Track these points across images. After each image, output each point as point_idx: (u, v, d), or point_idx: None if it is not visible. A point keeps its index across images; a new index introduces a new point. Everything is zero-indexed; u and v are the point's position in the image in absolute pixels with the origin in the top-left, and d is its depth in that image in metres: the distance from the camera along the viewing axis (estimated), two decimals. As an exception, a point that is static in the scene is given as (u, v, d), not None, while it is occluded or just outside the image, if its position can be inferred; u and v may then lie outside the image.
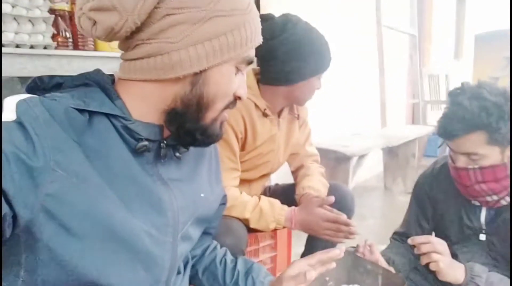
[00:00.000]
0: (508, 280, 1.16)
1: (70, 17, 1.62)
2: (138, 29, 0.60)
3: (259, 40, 0.68)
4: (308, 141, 1.57)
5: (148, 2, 0.57)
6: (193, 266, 0.92)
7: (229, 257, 0.94)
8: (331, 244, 1.48)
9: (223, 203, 0.90)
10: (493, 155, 1.12)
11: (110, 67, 1.79)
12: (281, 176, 1.69)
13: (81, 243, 0.56)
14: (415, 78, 4.20)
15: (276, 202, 1.29)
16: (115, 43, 2.10)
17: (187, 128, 0.65)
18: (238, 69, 0.66)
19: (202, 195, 0.77)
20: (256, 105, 1.29)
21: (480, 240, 1.28)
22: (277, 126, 1.37)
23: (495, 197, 1.18)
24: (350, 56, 3.27)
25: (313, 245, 1.54)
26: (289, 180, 1.66)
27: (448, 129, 1.11)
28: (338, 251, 0.87)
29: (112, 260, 0.60)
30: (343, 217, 1.21)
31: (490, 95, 1.08)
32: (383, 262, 1.21)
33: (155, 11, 0.59)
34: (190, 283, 0.95)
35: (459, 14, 6.46)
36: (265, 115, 1.31)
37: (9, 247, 0.56)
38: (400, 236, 1.44)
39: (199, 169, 0.78)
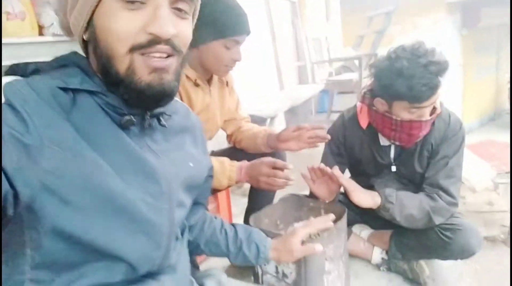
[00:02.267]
0: (411, 194, 1.46)
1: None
2: None
3: None
4: (238, 106, 1.67)
5: None
6: (193, 240, 0.96)
7: (227, 226, 1.00)
8: (271, 195, 1.65)
9: (210, 175, 0.93)
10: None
11: (9, 54, 1.64)
12: (213, 143, 1.77)
13: (83, 215, 0.58)
14: (300, 42, 4.52)
15: (225, 159, 1.35)
16: (10, 28, 1.90)
17: (116, 87, 0.61)
18: (129, 4, 0.58)
19: (191, 164, 0.79)
20: (187, 76, 1.33)
21: (392, 171, 1.56)
22: (209, 95, 1.43)
23: (418, 140, 1.44)
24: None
25: (255, 199, 1.67)
26: (222, 146, 1.75)
27: (436, 87, 1.26)
28: (330, 218, 1.06)
29: (114, 229, 0.62)
30: (280, 162, 1.29)
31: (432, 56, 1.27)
32: (340, 176, 1.39)
33: None
34: (191, 254, 0.98)
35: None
36: (196, 84, 1.36)
37: (13, 228, 0.56)
38: None
39: (185, 140, 0.80)
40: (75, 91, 0.60)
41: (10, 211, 0.52)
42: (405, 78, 1.26)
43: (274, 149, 1.50)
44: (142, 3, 0.58)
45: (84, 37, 0.62)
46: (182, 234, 0.85)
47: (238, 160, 1.61)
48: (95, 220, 0.59)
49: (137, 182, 0.64)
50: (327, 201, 1.47)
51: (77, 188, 0.57)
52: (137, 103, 0.63)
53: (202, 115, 1.41)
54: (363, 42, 7.51)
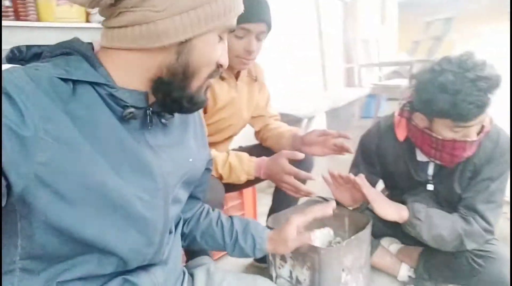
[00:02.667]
0: (444, 213, 1.34)
1: (8, -16, 1.51)
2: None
3: (240, 9, 0.68)
4: (268, 104, 1.62)
5: None
6: (189, 232, 0.95)
7: (224, 218, 0.98)
8: (295, 197, 1.60)
9: (208, 168, 0.92)
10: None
11: (56, 38, 1.71)
12: (243, 139, 1.75)
13: (76, 209, 0.57)
14: (349, 43, 4.40)
15: (244, 154, 1.29)
16: (59, 13, 2.00)
17: (174, 96, 0.65)
18: (220, 38, 0.67)
19: (190, 160, 0.78)
20: None
21: (428, 189, 1.43)
22: (235, 89, 1.40)
23: (461, 161, 1.31)
24: (290, 22, 3.36)
25: (278, 199, 1.63)
26: (251, 142, 1.72)
27: (484, 105, 1.13)
28: (331, 207, 1.01)
29: (106, 223, 0.61)
30: (302, 173, 1.20)
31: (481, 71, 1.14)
32: (363, 185, 1.30)
33: None
34: (188, 247, 0.99)
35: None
36: (222, 78, 1.33)
37: (4, 218, 0.56)
38: None
39: (186, 134, 0.79)
40: (76, 81, 0.58)
41: (2, 201, 0.52)
42: (449, 94, 1.14)
43: (298, 151, 1.45)
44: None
45: (167, 45, 0.61)
46: (176, 227, 0.84)
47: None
48: (88, 215, 0.59)
49: (133, 178, 0.64)
50: (351, 208, 1.39)
51: (71, 181, 0.56)
52: (190, 110, 0.70)
53: (226, 109, 1.38)
54: (418, 48, 7.22)
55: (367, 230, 1.25)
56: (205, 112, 1.34)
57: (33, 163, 0.52)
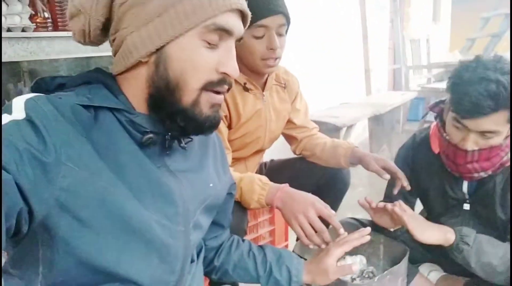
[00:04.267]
0: (495, 240, 1.22)
1: (47, -4, 1.55)
2: (106, 25, 0.62)
3: (224, 3, 0.60)
4: (307, 114, 1.54)
5: None
6: (221, 265, 0.93)
7: (255, 249, 0.95)
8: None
9: (231, 193, 0.89)
10: (504, 133, 1.11)
11: (93, 47, 1.74)
12: (276, 153, 1.69)
13: (96, 235, 0.57)
14: (397, 43, 4.20)
15: (257, 179, 1.13)
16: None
17: (168, 114, 0.62)
18: (209, 42, 0.61)
19: (211, 185, 0.77)
20: (235, 81, 1.22)
21: (465, 209, 1.32)
22: (261, 100, 1.32)
23: (482, 174, 1.19)
24: (333, 24, 3.24)
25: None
26: (284, 155, 1.66)
27: (480, 106, 1.04)
28: (367, 234, 1.00)
29: (127, 251, 0.61)
30: (337, 222, 1.04)
31: None
32: (402, 213, 1.19)
33: (112, 4, 0.61)
34: (219, 280, 0.97)
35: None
36: (246, 89, 1.26)
37: (26, 245, 0.57)
38: None
39: (205, 159, 0.78)
40: (97, 108, 0.60)
41: (24, 228, 0.52)
42: (464, 82, 1.07)
43: (354, 165, 1.38)
44: (216, 44, 0.62)
45: (142, 59, 0.61)
46: (198, 255, 0.83)
47: (296, 173, 1.52)
48: (109, 240, 0.59)
49: (153, 203, 0.64)
50: (392, 230, 1.30)
51: (92, 207, 0.57)
52: (194, 131, 0.66)
53: (252, 122, 1.30)
54: (473, 46, 6.79)
55: (404, 263, 1.16)
56: (229, 128, 1.28)
57: (55, 188, 0.53)
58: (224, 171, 0.85)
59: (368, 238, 0.97)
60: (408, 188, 1.27)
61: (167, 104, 0.61)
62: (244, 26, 0.67)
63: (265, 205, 1.13)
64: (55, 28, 1.59)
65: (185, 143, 0.70)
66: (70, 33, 1.71)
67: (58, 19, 1.59)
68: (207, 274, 0.95)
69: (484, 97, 1.03)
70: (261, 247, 0.97)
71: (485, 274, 1.21)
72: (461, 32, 7.06)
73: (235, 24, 0.63)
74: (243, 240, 0.98)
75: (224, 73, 0.62)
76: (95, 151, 0.58)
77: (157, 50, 0.60)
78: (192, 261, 0.79)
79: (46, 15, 1.54)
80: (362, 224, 1.37)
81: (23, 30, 1.45)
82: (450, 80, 1.15)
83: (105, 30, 0.63)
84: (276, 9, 1.13)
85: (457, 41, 6.99)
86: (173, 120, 0.62)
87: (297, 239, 1.50)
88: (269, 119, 1.36)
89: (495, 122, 1.07)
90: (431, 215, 1.38)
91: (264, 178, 1.15)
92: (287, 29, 1.21)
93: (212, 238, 0.91)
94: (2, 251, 0.47)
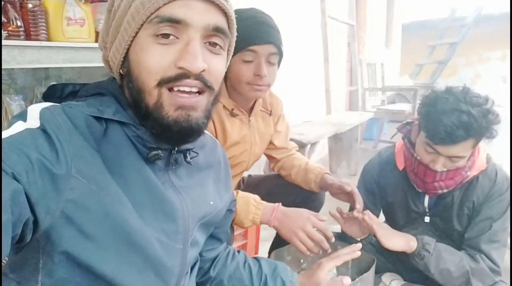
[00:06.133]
0: (452, 249, 1.33)
1: (21, 4, 1.51)
2: None
3: None
4: (288, 135, 1.59)
5: (103, 26, 0.64)
6: (216, 276, 0.93)
7: (251, 261, 0.96)
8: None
9: (230, 209, 0.91)
10: (467, 157, 1.24)
11: (64, 57, 1.72)
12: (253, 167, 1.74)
13: (98, 247, 0.58)
14: (354, 66, 4.42)
15: (251, 198, 1.19)
16: (69, 33, 1.99)
17: (145, 121, 0.62)
18: (162, 37, 0.58)
19: (212, 202, 0.78)
20: (224, 106, 1.26)
21: (425, 222, 1.43)
22: (247, 125, 1.34)
23: (445, 190, 1.32)
24: (297, 46, 3.38)
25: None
26: (260, 171, 1.71)
27: (453, 136, 1.13)
28: (359, 248, 1.03)
29: (125, 263, 0.61)
30: (330, 233, 1.15)
31: (482, 101, 1.17)
32: (371, 222, 1.29)
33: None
34: None
35: (389, 4, 6.87)
36: (233, 114, 1.28)
37: (27, 252, 0.57)
38: None
39: (208, 177, 0.79)
40: (108, 120, 0.61)
41: (28, 236, 0.53)
42: (438, 111, 1.17)
43: (324, 190, 1.44)
44: (176, 37, 0.59)
45: (122, 72, 0.63)
46: (192, 268, 0.83)
47: (273, 189, 1.55)
48: (108, 253, 0.59)
49: (155, 220, 0.64)
50: (359, 239, 1.38)
51: (96, 220, 0.57)
52: (164, 137, 0.63)
53: (237, 146, 1.33)
54: (421, 71, 7.27)
55: (371, 271, 1.23)
56: None
57: (62, 200, 0.54)
58: (226, 188, 0.86)
59: (359, 253, 1.00)
60: (361, 210, 1.33)
61: (141, 111, 0.61)
62: (227, 16, 0.64)
63: (259, 224, 1.18)
64: (28, 37, 1.55)
65: (191, 158, 0.71)
66: (42, 43, 1.69)
67: (31, 28, 1.56)
68: (201, 284, 0.95)
69: (457, 127, 1.13)
70: (256, 258, 0.98)
71: (443, 280, 1.31)
72: (411, 57, 7.54)
73: (188, 12, 0.58)
74: (239, 252, 0.99)
75: (182, 67, 0.59)
76: (103, 164, 0.59)
77: (124, 58, 0.62)
78: (186, 273, 0.78)
79: (19, 23, 1.50)
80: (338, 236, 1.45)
81: (-7, 38, 1.41)
82: (423, 107, 1.26)
83: None
84: (266, 38, 1.14)
85: (407, 66, 7.45)
86: (150, 129, 0.62)
87: (269, 252, 1.55)
88: (254, 143, 1.39)
89: (464, 148, 1.18)
90: (393, 226, 1.47)
91: (258, 198, 1.20)
92: (280, 60, 1.23)
93: (209, 250, 0.92)
94: (2, 256, 0.48)
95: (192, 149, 0.71)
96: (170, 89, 0.60)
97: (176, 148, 0.67)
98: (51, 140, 0.54)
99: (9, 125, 0.55)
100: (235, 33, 0.68)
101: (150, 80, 0.59)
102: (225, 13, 0.63)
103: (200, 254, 0.90)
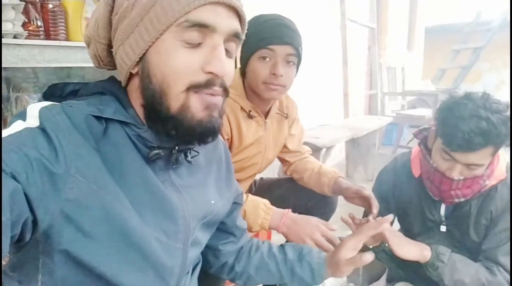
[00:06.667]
0: (468, 260, 1.29)
1: (41, 5, 1.55)
2: (111, 47, 0.65)
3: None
4: (302, 139, 1.58)
5: (100, 21, 0.62)
6: (243, 270, 0.93)
7: (276, 249, 0.95)
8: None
9: (236, 202, 0.90)
10: (486, 165, 1.19)
11: (82, 57, 1.75)
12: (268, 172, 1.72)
13: (98, 246, 0.58)
14: (374, 70, 4.36)
15: (261, 203, 1.20)
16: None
17: (162, 125, 0.61)
18: (188, 42, 0.58)
19: (212, 202, 0.77)
20: (241, 107, 1.26)
21: (441, 231, 1.39)
22: (263, 127, 1.34)
23: (462, 199, 1.27)
24: (315, 48, 3.35)
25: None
26: (272, 172, 1.70)
27: (471, 143, 1.10)
28: (389, 219, 0.99)
29: (125, 263, 0.61)
30: (336, 237, 1.14)
31: (503, 108, 1.13)
32: (384, 229, 1.21)
33: (112, 27, 0.63)
34: (246, 285, 0.96)
35: (412, 7, 6.76)
36: (250, 116, 1.28)
37: (27, 252, 0.57)
38: None
39: (209, 175, 0.78)
40: (108, 120, 0.61)
41: (27, 236, 0.53)
42: (455, 117, 1.13)
43: (337, 194, 1.42)
44: (200, 42, 0.59)
45: (132, 71, 0.62)
46: (194, 268, 0.83)
47: (284, 193, 1.55)
48: (108, 252, 0.59)
49: (154, 219, 0.64)
50: (371, 246, 1.35)
51: (95, 219, 0.57)
52: (186, 139, 0.63)
53: (251, 148, 1.32)
54: (444, 76, 7.13)
55: (383, 280, 1.20)
56: (230, 151, 1.31)
57: (61, 199, 0.53)
58: (227, 186, 0.84)
59: (387, 226, 0.95)
60: (376, 216, 1.29)
61: (158, 113, 0.60)
62: (241, 21, 0.64)
63: (267, 229, 1.18)
64: (47, 36, 1.59)
65: (191, 157, 0.71)
66: (61, 43, 1.73)
67: (51, 28, 1.59)
68: (232, 280, 0.95)
69: (475, 134, 1.09)
70: (281, 246, 0.96)
71: (457, 292, 1.27)
72: (433, 62, 7.40)
73: (216, 18, 0.58)
74: (263, 242, 0.98)
75: (210, 72, 0.59)
76: (103, 163, 0.58)
77: (141, 59, 0.60)
78: (187, 272, 0.78)
79: (39, 23, 1.54)
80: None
81: (14, 37, 1.44)
82: (440, 112, 1.23)
83: (111, 51, 0.65)
84: (284, 38, 1.15)
85: (429, 71, 7.31)
86: (166, 131, 0.61)
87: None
88: (268, 146, 1.39)
89: (482, 156, 1.14)
90: (408, 235, 1.44)
91: (268, 203, 1.20)
92: (298, 62, 1.22)
93: (224, 243, 0.91)
94: (2, 255, 0.48)
95: (192, 148, 0.71)
96: (196, 92, 0.60)
97: (177, 147, 0.66)
98: (50, 139, 0.54)
99: (9, 124, 0.56)
100: (243, 38, 0.68)
101: (177, 85, 0.59)
102: (239, 19, 0.64)
103: (217, 249, 0.90)
